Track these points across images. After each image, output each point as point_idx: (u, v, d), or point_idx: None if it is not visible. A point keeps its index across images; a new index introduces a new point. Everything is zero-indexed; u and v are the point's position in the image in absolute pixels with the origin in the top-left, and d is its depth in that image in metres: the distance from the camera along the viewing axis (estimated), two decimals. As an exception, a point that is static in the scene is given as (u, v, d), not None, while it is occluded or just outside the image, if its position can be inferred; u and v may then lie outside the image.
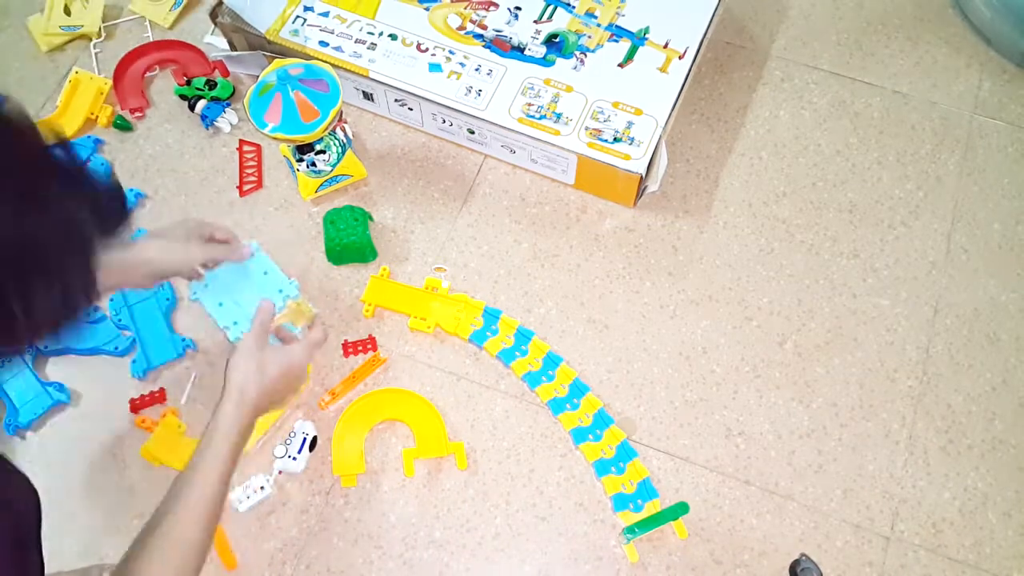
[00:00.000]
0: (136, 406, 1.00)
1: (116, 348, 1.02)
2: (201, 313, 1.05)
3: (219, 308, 0.96)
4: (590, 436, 0.97)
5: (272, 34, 1.14)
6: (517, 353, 1.01)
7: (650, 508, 0.93)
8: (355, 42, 1.14)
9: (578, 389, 0.99)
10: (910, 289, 1.06)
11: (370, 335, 1.03)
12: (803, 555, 0.91)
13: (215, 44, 1.23)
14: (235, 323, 0.95)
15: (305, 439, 0.95)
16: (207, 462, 0.75)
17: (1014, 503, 0.94)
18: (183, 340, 1.03)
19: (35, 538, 0.74)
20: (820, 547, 0.92)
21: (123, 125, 1.18)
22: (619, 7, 1.16)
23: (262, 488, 0.94)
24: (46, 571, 0.90)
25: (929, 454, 0.97)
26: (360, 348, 1.03)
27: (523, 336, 1.03)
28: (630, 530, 0.91)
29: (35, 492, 0.77)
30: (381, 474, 0.96)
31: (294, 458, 0.94)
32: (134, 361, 1.02)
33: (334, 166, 1.09)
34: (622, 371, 1.02)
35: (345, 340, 1.03)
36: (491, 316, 1.04)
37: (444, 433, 0.97)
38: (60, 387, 1.01)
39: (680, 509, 0.92)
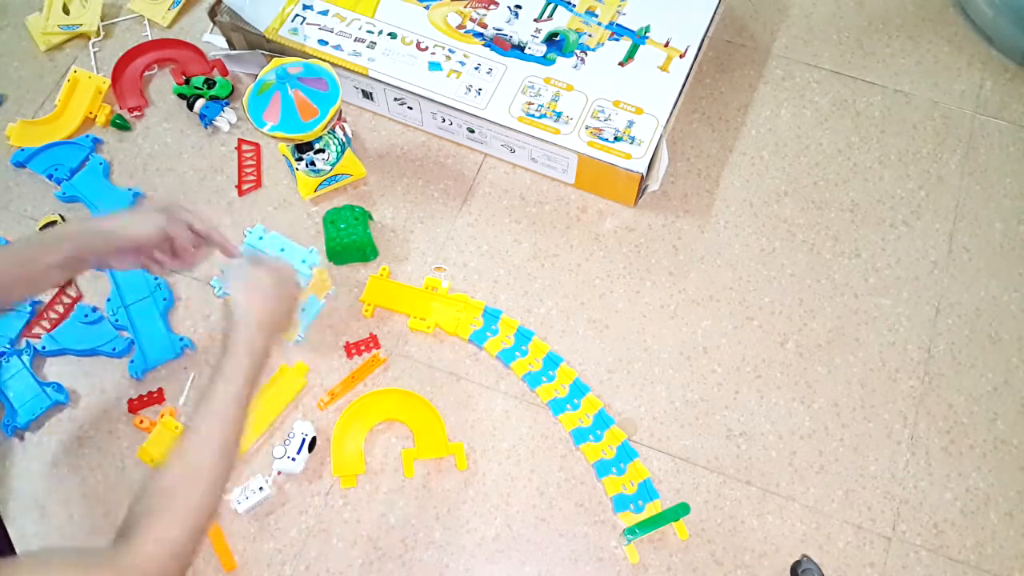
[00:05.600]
0: (134, 406, 1.00)
1: (114, 349, 1.02)
2: (200, 313, 1.05)
3: None
4: (590, 437, 0.97)
5: (271, 33, 1.14)
6: (517, 353, 1.01)
7: (651, 509, 0.93)
8: (354, 41, 1.13)
9: (578, 389, 0.99)
10: (912, 289, 1.06)
11: (371, 334, 1.03)
12: (804, 556, 0.90)
13: (214, 43, 1.23)
14: None
15: (304, 439, 0.95)
16: (222, 384, 0.74)
17: (1016, 503, 0.94)
18: (181, 340, 1.03)
19: None
20: (822, 548, 0.92)
21: (121, 124, 1.18)
22: (620, 5, 1.15)
23: (261, 489, 0.93)
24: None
25: (931, 454, 0.97)
26: (363, 348, 1.02)
27: (523, 336, 1.02)
28: (631, 531, 0.91)
29: None
30: (381, 475, 0.96)
31: (293, 459, 0.94)
32: (132, 361, 1.02)
33: (333, 165, 1.09)
34: (623, 371, 1.01)
35: (347, 342, 1.03)
36: (491, 316, 1.03)
37: (444, 434, 0.97)
38: (58, 387, 1.00)
39: (681, 510, 0.92)
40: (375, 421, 0.98)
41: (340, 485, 0.95)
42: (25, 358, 1.01)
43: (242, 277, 0.83)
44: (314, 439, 0.96)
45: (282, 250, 0.97)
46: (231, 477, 0.73)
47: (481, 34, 1.14)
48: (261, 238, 0.98)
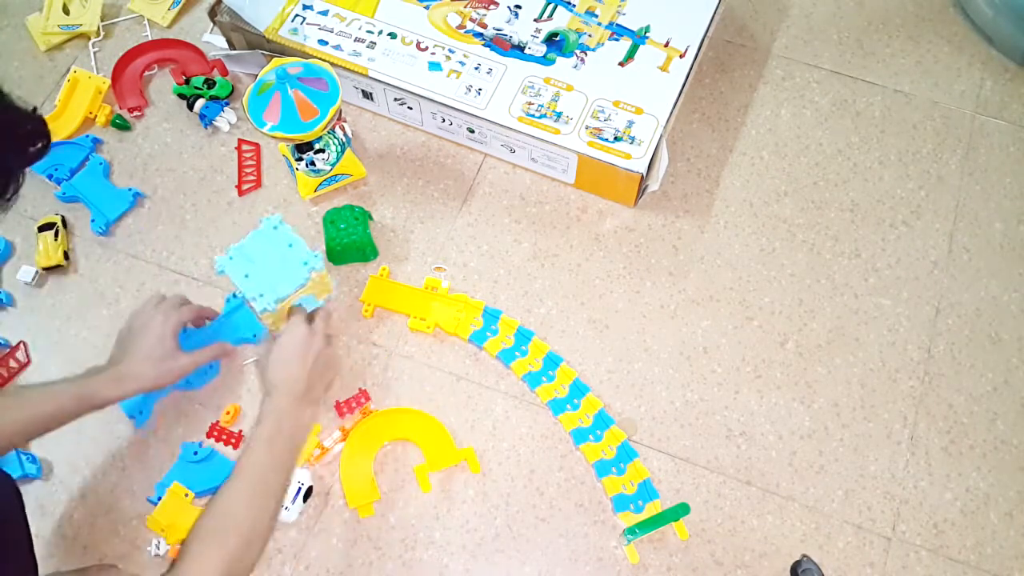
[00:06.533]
0: (135, 406, 1.00)
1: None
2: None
3: (245, 280, 0.95)
4: (590, 437, 0.97)
5: (271, 33, 1.14)
6: (517, 353, 1.01)
7: (651, 509, 0.93)
8: (354, 41, 1.13)
9: (578, 389, 0.99)
10: (912, 289, 1.06)
11: (361, 389, 0.99)
12: (804, 556, 0.90)
13: (214, 43, 1.23)
14: (261, 295, 0.94)
15: (300, 489, 0.93)
16: (252, 447, 0.81)
17: (1016, 503, 0.94)
18: None
19: (16, 535, 0.74)
20: (821, 548, 0.92)
21: (121, 124, 1.18)
22: (620, 5, 1.15)
23: None
24: (46, 571, 0.90)
25: (931, 454, 0.97)
26: (355, 404, 0.98)
27: (523, 336, 1.02)
28: (631, 531, 0.91)
29: (14, 487, 0.77)
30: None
31: (287, 508, 0.91)
32: None
33: (333, 165, 1.09)
34: (623, 371, 1.02)
35: (337, 401, 0.99)
36: (491, 316, 1.03)
37: (451, 441, 0.96)
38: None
39: (681, 510, 0.92)
40: (379, 446, 0.97)
41: (359, 515, 0.94)
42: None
43: (266, 349, 0.90)
44: (310, 488, 0.94)
45: (290, 246, 0.96)
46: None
47: (481, 34, 1.14)
48: (276, 228, 0.97)
